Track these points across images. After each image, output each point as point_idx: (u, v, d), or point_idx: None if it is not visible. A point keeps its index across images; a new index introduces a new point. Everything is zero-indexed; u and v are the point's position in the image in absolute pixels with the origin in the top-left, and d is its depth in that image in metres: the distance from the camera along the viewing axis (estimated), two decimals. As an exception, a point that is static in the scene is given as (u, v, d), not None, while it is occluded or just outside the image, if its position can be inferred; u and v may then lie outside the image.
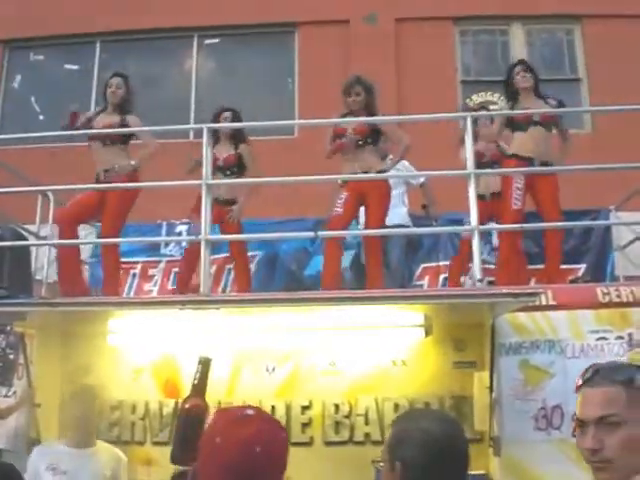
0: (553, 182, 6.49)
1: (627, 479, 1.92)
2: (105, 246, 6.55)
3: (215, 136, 6.60)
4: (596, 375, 2.06)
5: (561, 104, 6.69)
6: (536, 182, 6.45)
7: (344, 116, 6.60)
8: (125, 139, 6.59)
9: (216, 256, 7.00)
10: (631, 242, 7.07)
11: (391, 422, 2.34)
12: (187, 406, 4.39)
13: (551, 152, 6.60)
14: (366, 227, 6.49)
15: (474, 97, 10.81)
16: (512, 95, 6.73)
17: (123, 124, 6.55)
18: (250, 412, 2.01)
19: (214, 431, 1.96)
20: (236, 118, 7.13)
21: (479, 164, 6.37)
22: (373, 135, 6.55)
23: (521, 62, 6.95)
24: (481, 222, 5.51)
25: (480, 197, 6.63)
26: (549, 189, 6.45)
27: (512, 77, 6.68)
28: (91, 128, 6.54)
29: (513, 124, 6.65)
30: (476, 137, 6.74)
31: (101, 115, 6.72)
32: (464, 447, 2.18)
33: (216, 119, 7.05)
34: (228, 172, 6.91)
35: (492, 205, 6.80)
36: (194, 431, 4.15)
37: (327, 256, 6.33)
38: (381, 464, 2.20)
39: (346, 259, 6.89)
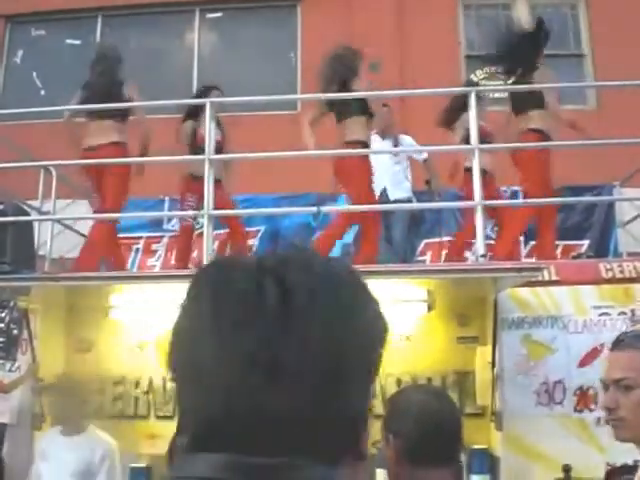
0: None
1: None
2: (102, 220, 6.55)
3: (198, 114, 6.58)
4: (622, 341, 2.18)
5: None
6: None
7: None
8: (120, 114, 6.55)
9: (217, 232, 6.99)
10: (635, 218, 7.04)
11: (388, 398, 2.37)
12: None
13: None
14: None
15: (478, 72, 10.75)
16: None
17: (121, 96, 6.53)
18: None
19: None
20: (222, 96, 7.06)
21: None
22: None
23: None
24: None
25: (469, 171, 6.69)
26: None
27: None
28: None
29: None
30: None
31: None
32: (457, 421, 2.21)
33: (203, 97, 6.95)
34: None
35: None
36: None
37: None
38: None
39: (349, 234, 6.88)
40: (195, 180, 6.27)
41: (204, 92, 6.93)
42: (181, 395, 0.92)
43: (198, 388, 0.88)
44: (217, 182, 6.74)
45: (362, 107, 6.35)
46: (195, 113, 6.76)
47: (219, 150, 6.57)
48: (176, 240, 7.19)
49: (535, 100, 6.39)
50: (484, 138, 6.81)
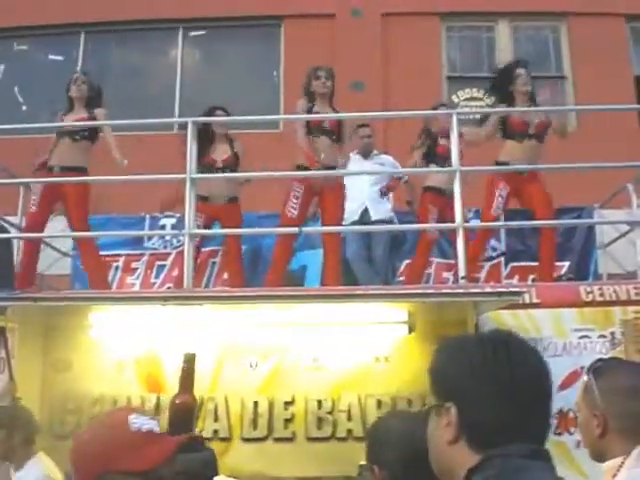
0: (542, 187, 6.54)
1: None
2: (83, 241, 6.57)
3: (210, 136, 6.62)
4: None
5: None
6: (524, 189, 6.49)
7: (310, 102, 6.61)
8: (93, 135, 6.63)
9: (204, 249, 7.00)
10: (615, 240, 7.07)
11: (368, 429, 2.36)
12: (177, 402, 4.39)
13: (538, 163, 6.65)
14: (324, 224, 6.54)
15: (459, 93, 10.82)
16: (506, 97, 6.71)
17: (91, 118, 6.66)
18: None
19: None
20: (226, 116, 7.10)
21: (445, 160, 6.55)
22: (340, 130, 6.62)
23: (522, 63, 6.88)
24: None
25: (439, 191, 6.77)
26: (540, 194, 6.50)
27: (511, 78, 6.66)
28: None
29: (507, 131, 6.64)
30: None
31: (69, 115, 6.77)
32: None
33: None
34: (228, 172, 6.90)
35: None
36: (184, 426, 4.19)
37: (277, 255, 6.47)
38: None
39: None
40: (201, 200, 6.26)
41: (209, 113, 6.95)
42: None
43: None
44: (234, 200, 6.76)
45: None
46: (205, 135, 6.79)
47: (232, 169, 6.74)
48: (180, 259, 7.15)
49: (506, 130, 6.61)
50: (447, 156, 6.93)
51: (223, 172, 6.82)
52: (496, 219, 6.48)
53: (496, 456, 1.50)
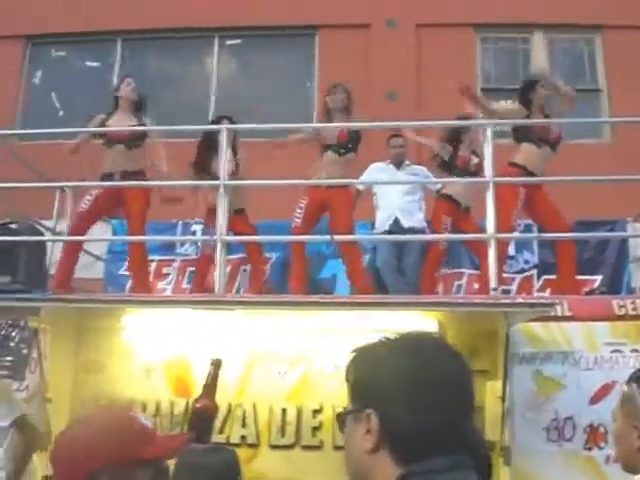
0: (546, 196, 6.51)
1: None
2: (133, 245, 6.63)
3: (215, 146, 6.65)
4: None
5: None
6: (534, 198, 6.43)
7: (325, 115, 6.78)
8: (142, 143, 6.67)
9: (231, 257, 7.00)
10: (648, 254, 7.02)
11: None
12: (198, 406, 4.42)
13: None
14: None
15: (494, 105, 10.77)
16: (527, 104, 6.70)
17: (140, 125, 6.72)
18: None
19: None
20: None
21: (463, 171, 6.69)
22: (355, 141, 6.71)
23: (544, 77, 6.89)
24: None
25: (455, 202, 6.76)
26: (547, 202, 6.45)
27: (533, 89, 6.65)
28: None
29: (527, 134, 6.59)
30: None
31: (114, 117, 6.78)
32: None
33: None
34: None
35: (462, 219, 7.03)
36: (203, 429, 4.22)
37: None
38: None
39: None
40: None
41: (216, 122, 7.00)
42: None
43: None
44: (240, 211, 6.80)
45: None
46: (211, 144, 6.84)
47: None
48: (195, 265, 7.20)
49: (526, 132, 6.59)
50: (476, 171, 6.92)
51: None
52: (514, 227, 6.42)
53: (414, 473, 1.42)
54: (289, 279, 6.57)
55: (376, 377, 1.52)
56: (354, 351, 1.60)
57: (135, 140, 6.61)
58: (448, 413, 1.47)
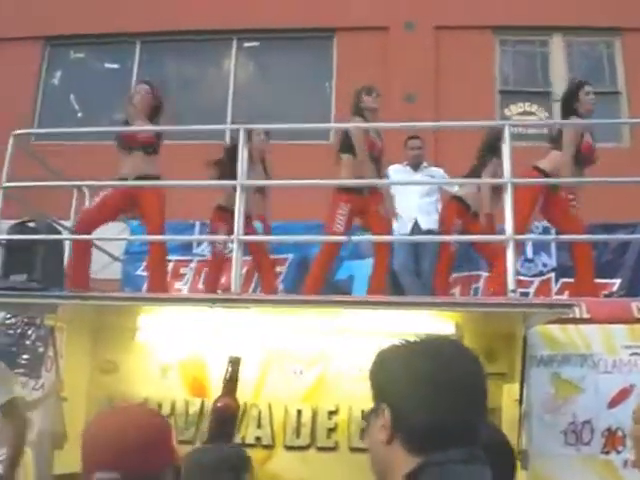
0: (565, 200, 6.43)
1: None
2: (154, 245, 6.63)
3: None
4: None
5: None
6: (550, 200, 6.37)
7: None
8: (158, 148, 6.66)
9: (248, 257, 7.00)
10: (667, 257, 6.95)
11: None
12: (219, 405, 4.41)
13: None
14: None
15: (512, 108, 10.74)
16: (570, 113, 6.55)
17: (158, 134, 6.67)
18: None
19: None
20: (267, 135, 7.14)
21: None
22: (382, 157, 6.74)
23: (588, 83, 6.66)
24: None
25: (465, 204, 6.74)
26: (565, 206, 6.39)
27: (577, 96, 6.52)
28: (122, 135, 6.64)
29: (577, 157, 6.47)
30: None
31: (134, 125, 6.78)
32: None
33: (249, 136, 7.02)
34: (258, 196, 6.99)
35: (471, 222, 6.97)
36: (225, 428, 4.23)
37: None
38: None
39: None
40: (225, 211, 6.36)
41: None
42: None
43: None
44: (247, 219, 6.79)
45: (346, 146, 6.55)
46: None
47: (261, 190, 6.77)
48: (207, 266, 7.20)
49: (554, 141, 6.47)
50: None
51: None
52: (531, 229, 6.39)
53: (434, 463, 1.53)
54: (306, 278, 6.53)
55: (394, 377, 1.65)
56: (377, 354, 1.74)
57: (151, 145, 6.58)
58: (463, 412, 1.59)
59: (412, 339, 1.71)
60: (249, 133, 6.92)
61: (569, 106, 6.48)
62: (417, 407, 1.58)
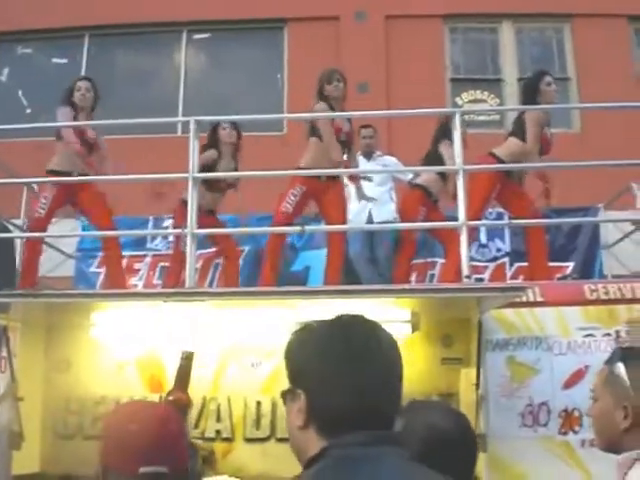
0: (518, 186, 6.51)
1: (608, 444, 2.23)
2: (107, 240, 6.57)
3: (218, 150, 6.64)
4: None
5: None
6: (504, 187, 6.43)
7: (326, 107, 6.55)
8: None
9: (203, 251, 6.95)
10: (619, 240, 7.05)
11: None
12: (170, 399, 4.38)
13: None
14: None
15: (463, 95, 10.81)
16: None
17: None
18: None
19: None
20: (236, 129, 7.07)
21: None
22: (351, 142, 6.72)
23: (549, 73, 6.69)
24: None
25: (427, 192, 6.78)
26: (518, 192, 6.47)
27: (538, 88, 6.52)
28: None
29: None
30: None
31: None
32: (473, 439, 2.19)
33: (215, 130, 6.96)
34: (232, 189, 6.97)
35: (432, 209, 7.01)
36: None
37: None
38: None
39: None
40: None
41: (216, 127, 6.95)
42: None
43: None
44: (210, 212, 6.75)
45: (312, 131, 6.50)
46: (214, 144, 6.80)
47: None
48: (169, 260, 7.12)
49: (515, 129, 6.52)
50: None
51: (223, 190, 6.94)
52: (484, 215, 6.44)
53: (334, 446, 1.53)
54: (262, 270, 6.49)
55: (303, 360, 1.65)
56: (291, 335, 1.73)
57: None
58: (370, 396, 1.58)
59: (326, 320, 1.71)
60: (215, 127, 6.92)
61: (531, 98, 6.52)
62: (325, 391, 1.58)
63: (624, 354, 2.26)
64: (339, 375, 1.58)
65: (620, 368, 2.19)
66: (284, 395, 1.68)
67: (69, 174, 6.39)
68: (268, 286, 5.87)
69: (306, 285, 6.99)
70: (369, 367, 1.60)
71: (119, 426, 1.95)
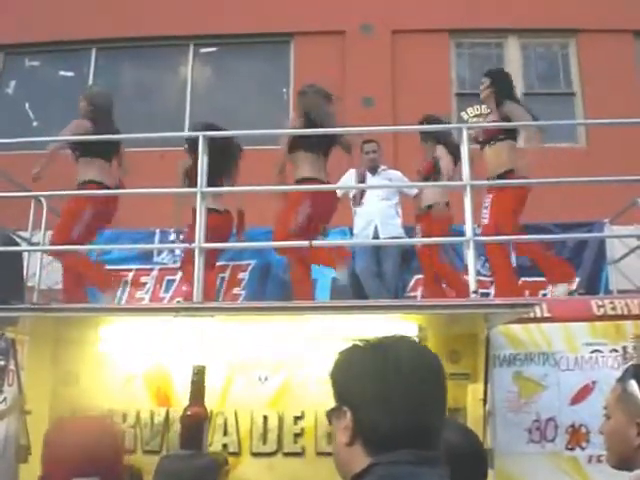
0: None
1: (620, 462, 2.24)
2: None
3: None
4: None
5: None
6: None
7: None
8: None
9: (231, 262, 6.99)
10: (625, 255, 7.05)
11: None
12: (188, 413, 4.44)
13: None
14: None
15: (468, 110, 10.83)
16: None
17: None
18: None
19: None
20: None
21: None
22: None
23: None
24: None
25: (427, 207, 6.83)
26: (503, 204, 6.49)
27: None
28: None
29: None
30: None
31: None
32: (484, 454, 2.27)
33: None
34: None
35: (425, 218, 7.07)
36: (195, 437, 4.29)
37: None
38: None
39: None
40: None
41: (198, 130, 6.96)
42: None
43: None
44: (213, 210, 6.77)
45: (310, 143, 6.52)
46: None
47: None
48: (183, 269, 7.11)
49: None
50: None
51: None
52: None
53: (379, 463, 1.56)
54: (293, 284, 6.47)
55: (353, 379, 1.68)
56: (337, 355, 1.78)
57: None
58: (416, 415, 1.61)
59: (371, 340, 1.74)
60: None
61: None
62: (374, 409, 1.61)
63: (637, 371, 2.26)
64: (391, 394, 1.61)
65: (633, 386, 2.20)
66: (330, 413, 1.72)
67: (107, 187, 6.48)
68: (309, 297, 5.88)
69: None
70: (420, 387, 1.63)
71: (57, 439, 2.01)
